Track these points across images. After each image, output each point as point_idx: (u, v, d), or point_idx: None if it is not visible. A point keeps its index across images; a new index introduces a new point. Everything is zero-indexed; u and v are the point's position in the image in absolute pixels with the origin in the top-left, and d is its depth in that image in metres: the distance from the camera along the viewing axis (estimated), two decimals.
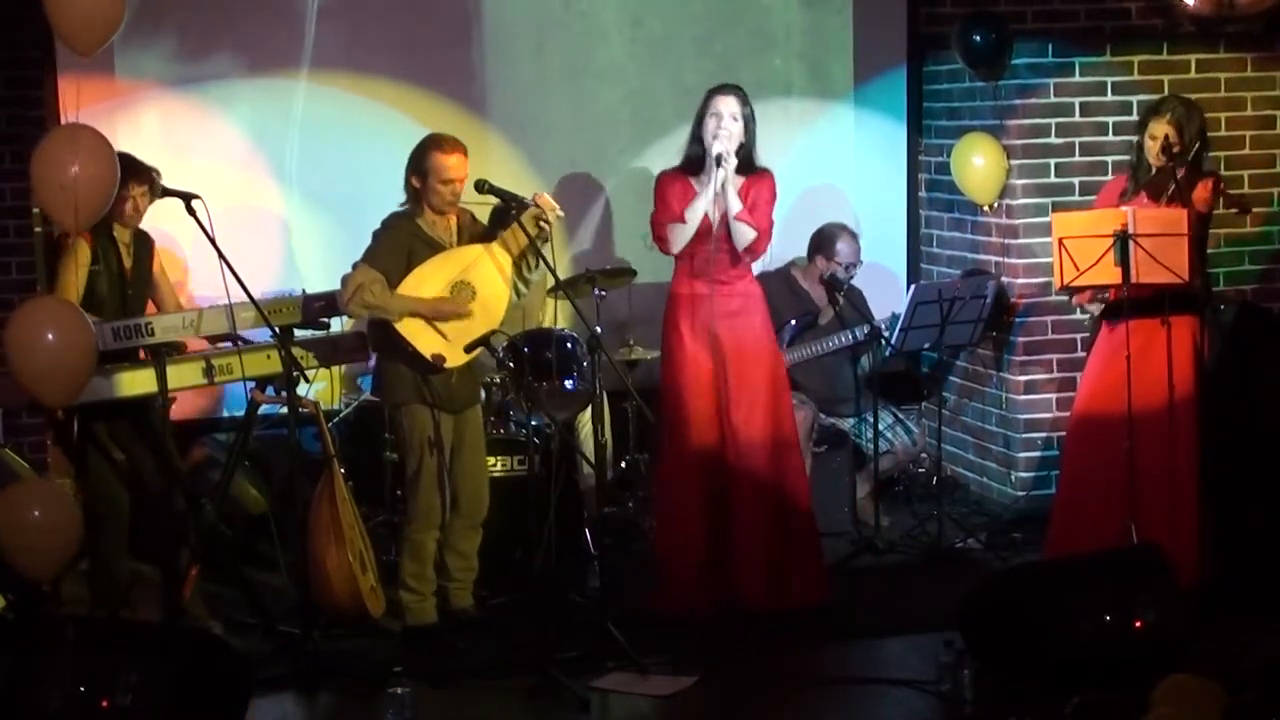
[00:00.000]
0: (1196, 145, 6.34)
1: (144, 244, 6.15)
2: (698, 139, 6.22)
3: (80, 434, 5.95)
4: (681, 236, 6.20)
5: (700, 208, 6.19)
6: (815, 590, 6.32)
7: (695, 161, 6.24)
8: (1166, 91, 7.41)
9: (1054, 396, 7.64)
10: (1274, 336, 7.12)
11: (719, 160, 6.10)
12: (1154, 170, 6.35)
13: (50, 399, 4.69)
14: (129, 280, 6.04)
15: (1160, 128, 6.30)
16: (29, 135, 6.83)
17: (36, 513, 4.67)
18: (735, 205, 6.18)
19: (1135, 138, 6.50)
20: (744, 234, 6.19)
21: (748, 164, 6.23)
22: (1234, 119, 7.62)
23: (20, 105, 7.21)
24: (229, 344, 6.03)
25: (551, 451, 6.62)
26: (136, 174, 5.93)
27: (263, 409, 6.19)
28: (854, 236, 7.49)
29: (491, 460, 6.41)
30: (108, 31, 4.96)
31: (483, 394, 6.49)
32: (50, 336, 4.61)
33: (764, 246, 6.32)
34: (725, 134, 6.14)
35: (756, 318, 6.29)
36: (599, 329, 6.71)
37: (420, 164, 5.96)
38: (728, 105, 6.17)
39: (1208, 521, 6.39)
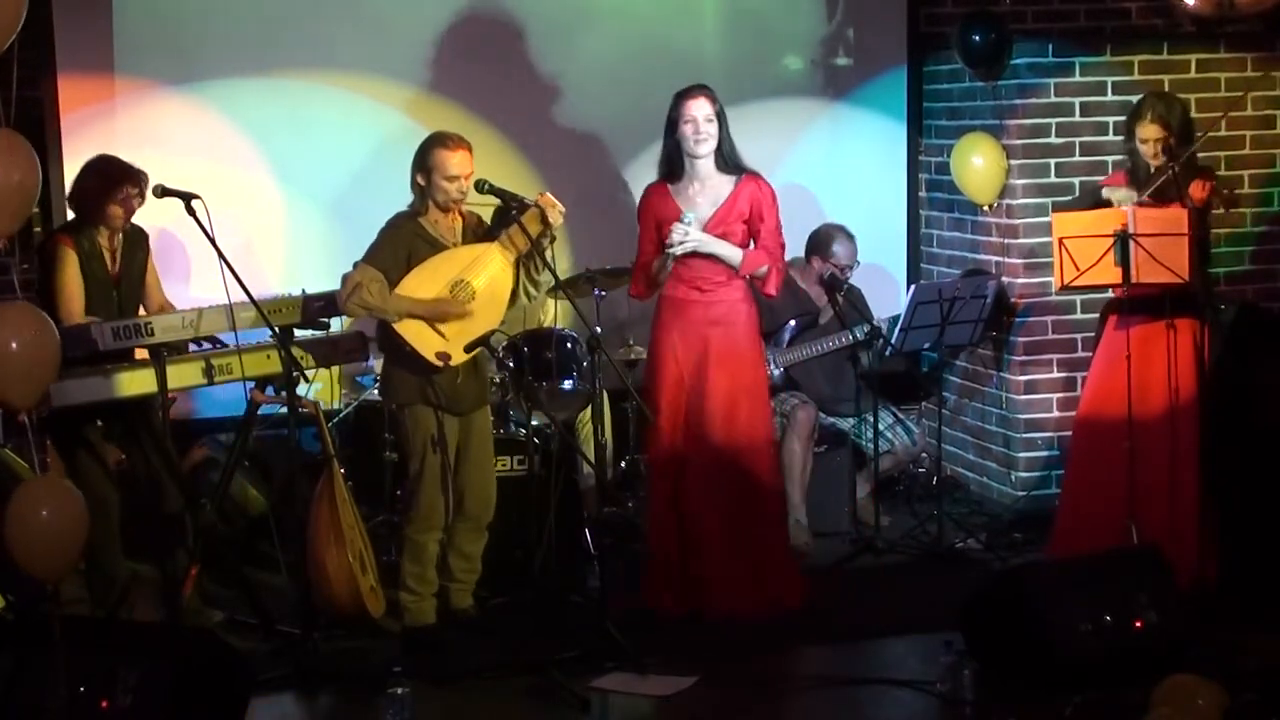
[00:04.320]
0: (1186, 135, 6.34)
1: (137, 242, 6.13)
2: (674, 145, 6.21)
3: (70, 434, 5.95)
4: (649, 290, 6.30)
5: (657, 270, 6.21)
6: (791, 594, 6.31)
7: (674, 168, 6.23)
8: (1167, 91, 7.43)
9: (1054, 396, 7.64)
10: (1274, 336, 7.12)
11: (667, 249, 6.13)
12: (1154, 170, 6.35)
13: (18, 402, 4.70)
14: (115, 283, 6.03)
15: (1148, 130, 6.30)
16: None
17: (45, 513, 4.66)
18: (733, 258, 6.18)
19: (1126, 144, 6.50)
20: (756, 272, 6.22)
21: (732, 162, 6.22)
22: (1234, 119, 7.60)
23: (20, 105, 7.18)
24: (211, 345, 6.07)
25: (551, 451, 6.62)
26: (129, 177, 5.93)
27: (262, 409, 6.19)
28: (850, 238, 7.49)
29: (493, 460, 6.39)
30: (12, 24, 4.87)
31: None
32: (14, 344, 4.62)
33: (783, 265, 6.31)
34: (705, 137, 6.12)
35: (741, 326, 6.26)
36: (599, 329, 6.71)
37: (425, 161, 5.96)
38: (700, 108, 6.14)
39: (1208, 522, 6.39)
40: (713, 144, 6.16)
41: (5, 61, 4.82)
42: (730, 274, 6.21)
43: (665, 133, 6.24)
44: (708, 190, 6.22)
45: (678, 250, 6.13)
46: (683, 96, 6.19)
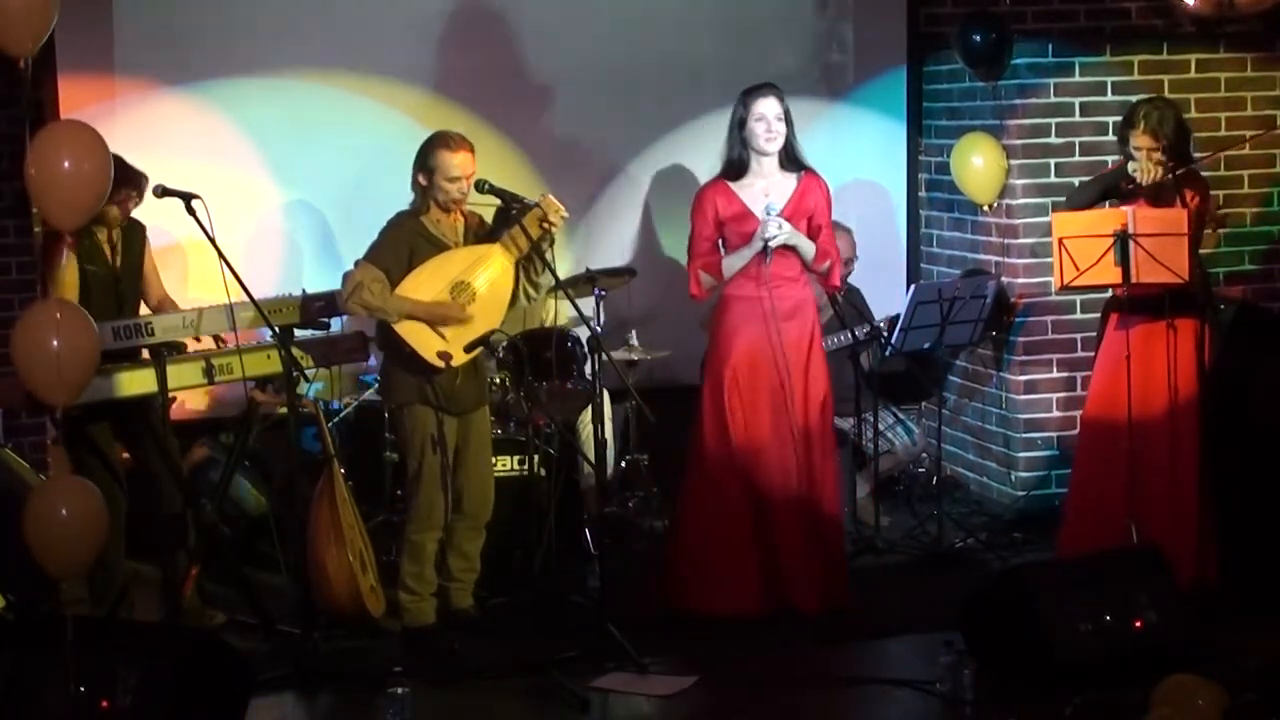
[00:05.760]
0: (1181, 143, 6.33)
1: (135, 235, 6.13)
2: (740, 143, 6.20)
3: (73, 434, 5.95)
4: (712, 285, 6.21)
5: (737, 264, 6.17)
6: (840, 593, 6.30)
7: (738, 166, 6.21)
8: (1167, 91, 7.42)
9: (1054, 396, 7.64)
10: (1274, 336, 7.13)
11: (767, 241, 6.08)
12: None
13: (53, 399, 4.72)
14: (118, 277, 6.05)
15: (1140, 140, 6.29)
16: (29, 135, 6.81)
17: (64, 511, 4.67)
18: (809, 251, 6.18)
19: (1121, 148, 6.48)
20: (823, 267, 6.25)
21: (794, 159, 6.23)
22: (1234, 119, 7.62)
23: (20, 105, 7.19)
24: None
25: (551, 451, 6.62)
26: (129, 180, 5.93)
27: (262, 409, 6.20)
28: (847, 231, 7.48)
29: (492, 460, 6.40)
30: (43, 29, 4.90)
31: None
32: (55, 342, 4.65)
33: (840, 260, 6.36)
34: (776, 135, 6.13)
35: (810, 321, 6.25)
36: (599, 329, 6.71)
37: (426, 161, 5.96)
38: (771, 107, 6.14)
39: (1208, 522, 6.39)
40: (781, 142, 6.17)
41: (37, 62, 4.83)
42: (798, 269, 6.21)
43: (730, 130, 6.22)
44: (774, 187, 6.21)
45: (775, 242, 6.10)
46: (752, 95, 6.18)
